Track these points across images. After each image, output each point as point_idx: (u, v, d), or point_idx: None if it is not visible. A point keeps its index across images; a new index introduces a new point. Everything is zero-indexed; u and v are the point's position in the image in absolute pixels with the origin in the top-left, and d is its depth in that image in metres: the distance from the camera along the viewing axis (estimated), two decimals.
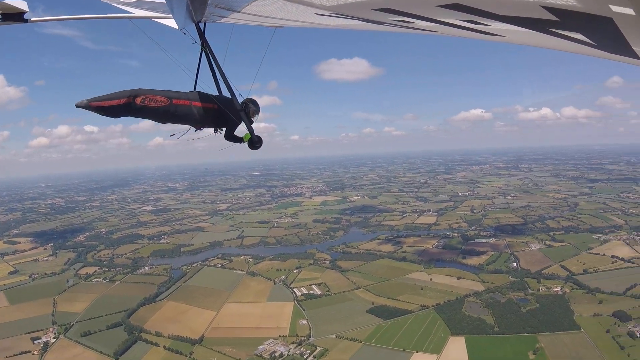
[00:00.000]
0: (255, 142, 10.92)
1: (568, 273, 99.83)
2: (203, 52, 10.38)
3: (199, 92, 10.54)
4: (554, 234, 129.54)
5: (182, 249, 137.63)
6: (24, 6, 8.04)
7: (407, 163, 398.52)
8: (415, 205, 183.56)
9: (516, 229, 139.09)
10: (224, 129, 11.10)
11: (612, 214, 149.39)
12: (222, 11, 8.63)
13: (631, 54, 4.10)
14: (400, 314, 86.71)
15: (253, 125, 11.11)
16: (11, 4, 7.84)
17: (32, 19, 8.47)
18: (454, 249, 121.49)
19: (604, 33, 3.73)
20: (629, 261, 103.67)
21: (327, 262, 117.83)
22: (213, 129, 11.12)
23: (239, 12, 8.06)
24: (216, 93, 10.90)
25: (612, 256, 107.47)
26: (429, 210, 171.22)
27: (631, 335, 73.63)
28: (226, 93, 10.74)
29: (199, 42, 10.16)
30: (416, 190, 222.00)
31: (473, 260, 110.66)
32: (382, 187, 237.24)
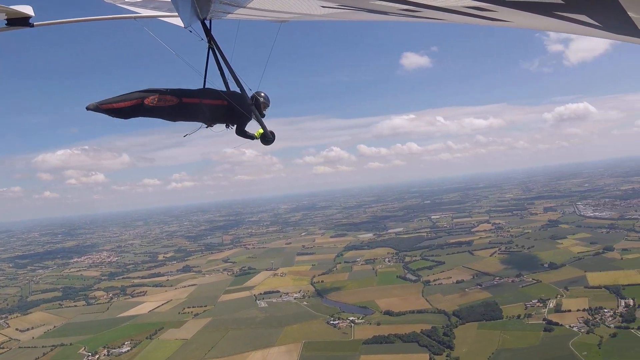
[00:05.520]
0: (268, 137, 11.29)
1: None
2: (210, 49, 10.30)
3: (209, 89, 10.61)
4: None
5: None
6: (29, 11, 8.14)
7: None
8: None
9: None
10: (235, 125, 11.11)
11: None
12: (227, 7, 8.86)
13: (637, 34, 4.56)
14: None
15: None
16: (16, 9, 7.96)
17: (37, 23, 8.57)
18: None
19: (609, 13, 4.14)
20: None
21: None
22: (225, 125, 11.13)
23: (244, 7, 8.13)
24: (224, 89, 10.80)
25: None
26: None
27: None
28: (235, 89, 10.75)
29: (206, 39, 10.13)
30: None
31: None
32: None
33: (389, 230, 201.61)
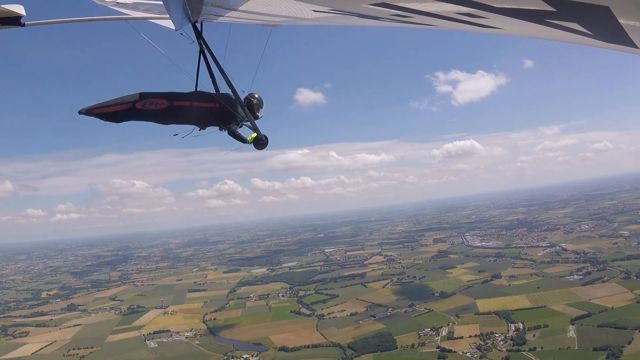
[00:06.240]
0: (261, 141, 11.08)
1: None
2: (201, 52, 10.56)
3: (200, 92, 10.82)
4: None
5: None
6: (20, 10, 8.21)
7: None
8: None
9: None
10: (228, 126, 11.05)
11: None
12: (218, 10, 8.93)
13: (628, 42, 4.45)
14: None
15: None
16: (8, 8, 8.06)
17: (28, 23, 8.62)
18: None
19: (600, 22, 4.07)
20: None
21: None
22: (218, 128, 11.21)
23: (236, 10, 8.20)
24: (214, 92, 11.01)
25: None
26: None
27: None
28: (227, 91, 10.85)
29: (197, 42, 10.34)
30: None
31: None
32: None
33: (283, 265, 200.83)
